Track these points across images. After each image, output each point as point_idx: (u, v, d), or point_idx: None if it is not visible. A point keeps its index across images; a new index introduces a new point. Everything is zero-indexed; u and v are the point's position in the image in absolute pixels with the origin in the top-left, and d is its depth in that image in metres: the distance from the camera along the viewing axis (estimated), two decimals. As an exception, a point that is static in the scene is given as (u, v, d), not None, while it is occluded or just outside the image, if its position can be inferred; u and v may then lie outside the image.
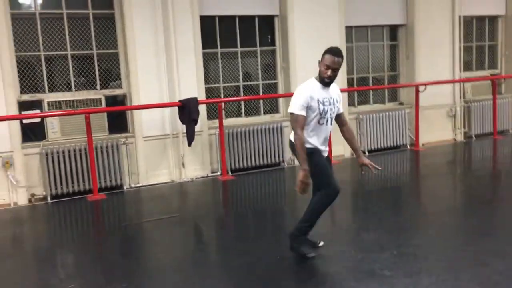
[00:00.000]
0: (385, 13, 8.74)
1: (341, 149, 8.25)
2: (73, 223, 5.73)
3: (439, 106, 9.17)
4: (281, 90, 8.02)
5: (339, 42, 8.12)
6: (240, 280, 3.63)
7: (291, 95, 7.62)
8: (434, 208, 5.20)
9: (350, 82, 8.63)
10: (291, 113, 3.70)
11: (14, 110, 6.18)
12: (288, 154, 7.91)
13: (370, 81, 8.96)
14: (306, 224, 3.86)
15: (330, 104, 3.77)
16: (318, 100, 3.69)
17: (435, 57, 8.99)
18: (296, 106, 3.67)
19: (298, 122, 3.65)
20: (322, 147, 3.84)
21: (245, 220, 5.32)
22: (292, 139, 3.79)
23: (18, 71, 6.37)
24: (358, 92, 8.84)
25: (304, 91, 3.71)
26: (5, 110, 6.10)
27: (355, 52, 8.71)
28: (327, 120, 3.77)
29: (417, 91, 8.61)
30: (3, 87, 6.08)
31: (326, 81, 3.73)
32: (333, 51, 3.73)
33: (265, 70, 8.08)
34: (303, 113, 3.65)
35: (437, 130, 9.21)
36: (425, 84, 8.56)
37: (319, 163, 3.75)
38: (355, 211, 5.47)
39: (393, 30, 9.08)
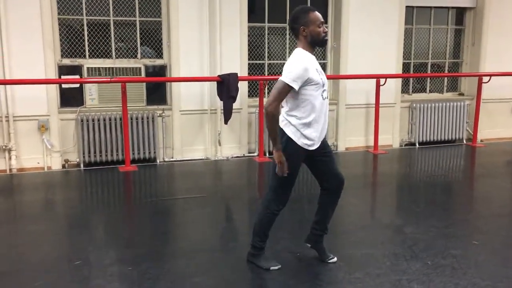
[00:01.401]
0: (453, -7, 7.99)
1: (389, 139, 7.73)
2: (101, 193, 5.64)
3: (503, 100, 8.37)
4: (329, 70, 7.55)
5: (398, 23, 7.53)
6: (250, 273, 3.35)
7: (340, 77, 7.29)
8: (485, 214, 4.66)
9: (406, 67, 8.01)
10: (279, 81, 3.04)
11: (52, 74, 6.12)
12: (331, 139, 7.49)
13: (429, 68, 8.28)
14: (257, 239, 3.40)
15: (323, 73, 3.25)
16: (316, 69, 3.14)
17: (504, 45, 8.16)
18: (290, 75, 3.02)
19: (281, 94, 3.03)
20: (321, 134, 3.22)
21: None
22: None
23: (60, 35, 6.29)
24: (414, 78, 8.20)
25: (304, 61, 3.07)
26: (44, 73, 6.05)
27: (415, 35, 8.04)
28: (327, 92, 3.25)
29: (480, 82, 7.87)
30: (43, 50, 6.02)
31: (326, 39, 3.21)
32: (313, 8, 3.22)
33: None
34: (295, 85, 3.02)
35: (499, 126, 8.43)
36: (490, 75, 7.80)
37: (292, 169, 3.18)
38: (395, 208, 5.01)
39: (460, 13, 8.31)
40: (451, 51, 8.41)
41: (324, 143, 3.32)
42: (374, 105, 7.36)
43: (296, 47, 3.24)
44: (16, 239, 4.05)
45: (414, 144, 7.87)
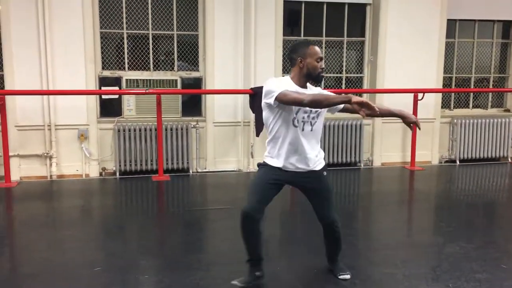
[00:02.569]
0: (498, 6, 7.68)
1: (427, 155, 7.51)
2: (134, 201, 5.79)
3: (553, 117, 7.95)
4: (366, 85, 7.45)
5: (439, 36, 7.34)
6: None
7: (376, 91, 7.17)
8: (520, 237, 4.43)
9: (447, 82, 7.77)
10: (276, 97, 2.96)
11: (93, 85, 6.38)
12: (367, 154, 7.36)
13: (472, 83, 7.99)
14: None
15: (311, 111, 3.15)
16: None
17: (554, 60, 7.77)
18: (276, 87, 3.00)
19: (291, 92, 2.97)
20: (291, 161, 3.17)
21: (301, 221, 4.95)
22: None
23: (101, 47, 6.55)
24: (457, 94, 7.94)
25: (282, 82, 3.10)
26: (85, 85, 6.32)
27: (457, 49, 7.80)
28: (304, 124, 3.14)
29: (527, 98, 7.53)
30: (84, 62, 6.29)
31: (322, 75, 3.21)
32: (314, 43, 3.24)
33: (350, 63, 7.55)
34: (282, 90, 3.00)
35: (548, 144, 8.01)
36: (538, 91, 7.44)
37: (259, 178, 3.22)
38: (425, 227, 4.84)
39: (506, 26, 7.99)
40: (497, 65, 8.09)
41: (320, 180, 3.27)
42: (411, 120, 7.17)
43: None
44: (46, 243, 4.22)
45: (454, 161, 7.60)
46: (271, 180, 3.19)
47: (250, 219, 3.15)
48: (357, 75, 7.46)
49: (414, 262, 3.79)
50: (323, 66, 3.21)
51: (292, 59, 3.19)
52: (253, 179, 3.31)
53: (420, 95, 7.03)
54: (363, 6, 7.29)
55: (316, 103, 2.97)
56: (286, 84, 3.08)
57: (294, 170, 3.20)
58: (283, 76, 6.98)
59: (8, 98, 6.03)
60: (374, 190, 6.36)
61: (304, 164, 3.20)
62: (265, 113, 3.17)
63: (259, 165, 3.33)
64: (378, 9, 7.12)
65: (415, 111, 7.08)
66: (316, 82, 3.29)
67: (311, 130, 3.18)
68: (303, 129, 3.15)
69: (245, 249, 3.30)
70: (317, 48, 3.17)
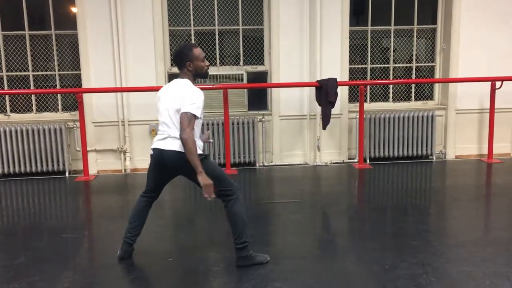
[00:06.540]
0: None
1: (506, 147, 7.10)
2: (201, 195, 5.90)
3: None
4: (438, 74, 7.13)
5: (518, 21, 6.87)
6: (333, 282, 3.28)
7: (449, 80, 6.85)
8: None
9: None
10: (188, 113, 3.29)
11: (163, 82, 6.58)
12: (439, 146, 7.07)
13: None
14: (247, 234, 3.59)
15: None
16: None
17: None
18: (196, 107, 3.33)
19: (192, 123, 3.32)
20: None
21: (371, 216, 4.82)
22: (177, 147, 3.36)
23: (170, 45, 6.74)
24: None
25: (201, 93, 3.40)
26: (155, 81, 6.53)
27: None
28: None
29: None
30: (155, 60, 6.50)
31: (208, 72, 3.58)
32: (195, 44, 3.65)
33: (420, 52, 7.25)
34: (199, 115, 3.37)
35: None
36: None
37: (216, 165, 3.57)
38: (503, 224, 4.54)
39: None
40: None
41: None
42: (488, 110, 6.79)
43: (179, 78, 3.51)
44: (122, 234, 4.39)
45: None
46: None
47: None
48: (428, 64, 7.16)
49: (494, 260, 3.59)
50: (207, 63, 3.56)
51: (181, 65, 3.48)
52: (213, 167, 3.47)
53: (498, 84, 6.62)
54: (434, -9, 6.98)
55: (184, 144, 3.25)
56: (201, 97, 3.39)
57: None
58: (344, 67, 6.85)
59: (85, 96, 6.35)
60: (449, 184, 6.09)
61: None
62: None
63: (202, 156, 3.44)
64: (451, -6, 6.79)
65: (492, 101, 6.70)
66: (204, 78, 3.62)
67: None
68: None
69: (244, 232, 3.53)
70: (199, 50, 3.52)
